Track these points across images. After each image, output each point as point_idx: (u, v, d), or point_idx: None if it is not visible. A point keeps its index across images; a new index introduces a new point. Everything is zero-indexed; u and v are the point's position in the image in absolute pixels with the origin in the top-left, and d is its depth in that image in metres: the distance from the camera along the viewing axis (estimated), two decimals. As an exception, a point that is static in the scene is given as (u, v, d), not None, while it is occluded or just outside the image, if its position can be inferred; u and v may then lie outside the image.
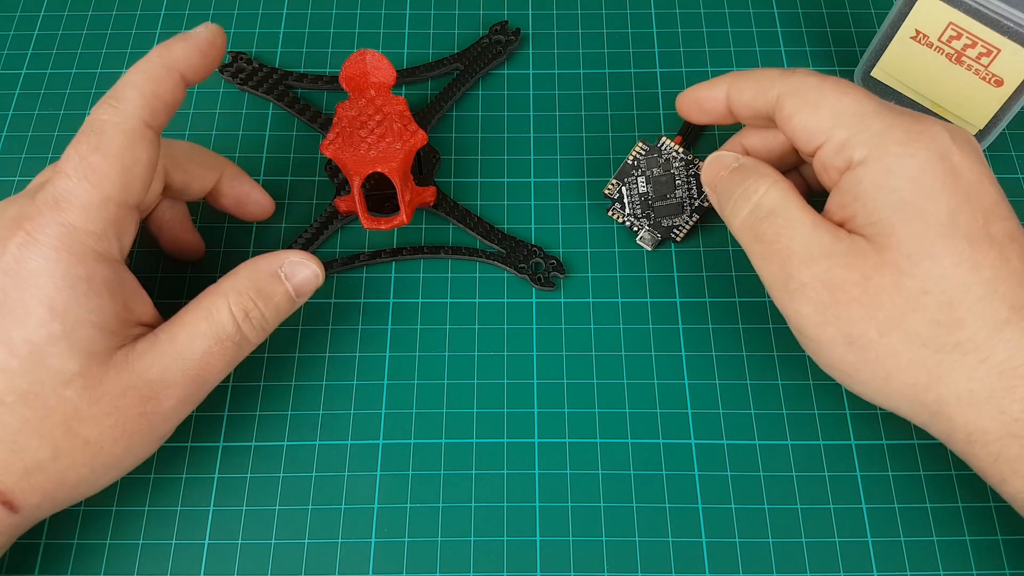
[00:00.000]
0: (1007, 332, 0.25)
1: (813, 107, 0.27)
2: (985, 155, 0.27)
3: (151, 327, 0.28)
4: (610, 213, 0.36)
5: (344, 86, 0.35)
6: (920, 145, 0.26)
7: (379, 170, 0.32)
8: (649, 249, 0.36)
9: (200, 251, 0.35)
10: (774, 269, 0.27)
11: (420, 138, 0.33)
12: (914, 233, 0.25)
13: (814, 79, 0.28)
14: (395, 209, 0.33)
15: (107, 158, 0.25)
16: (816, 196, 0.31)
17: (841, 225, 0.27)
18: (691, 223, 0.35)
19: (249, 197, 0.34)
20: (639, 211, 0.35)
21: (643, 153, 0.36)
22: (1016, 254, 0.25)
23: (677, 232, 0.35)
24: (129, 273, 0.27)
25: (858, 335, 0.26)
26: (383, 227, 0.33)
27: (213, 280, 0.29)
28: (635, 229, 0.36)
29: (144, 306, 0.28)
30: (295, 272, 0.29)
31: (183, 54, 0.27)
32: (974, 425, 0.25)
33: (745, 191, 0.29)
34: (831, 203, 0.28)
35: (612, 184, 0.36)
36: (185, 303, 0.28)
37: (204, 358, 0.27)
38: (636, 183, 0.36)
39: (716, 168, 0.30)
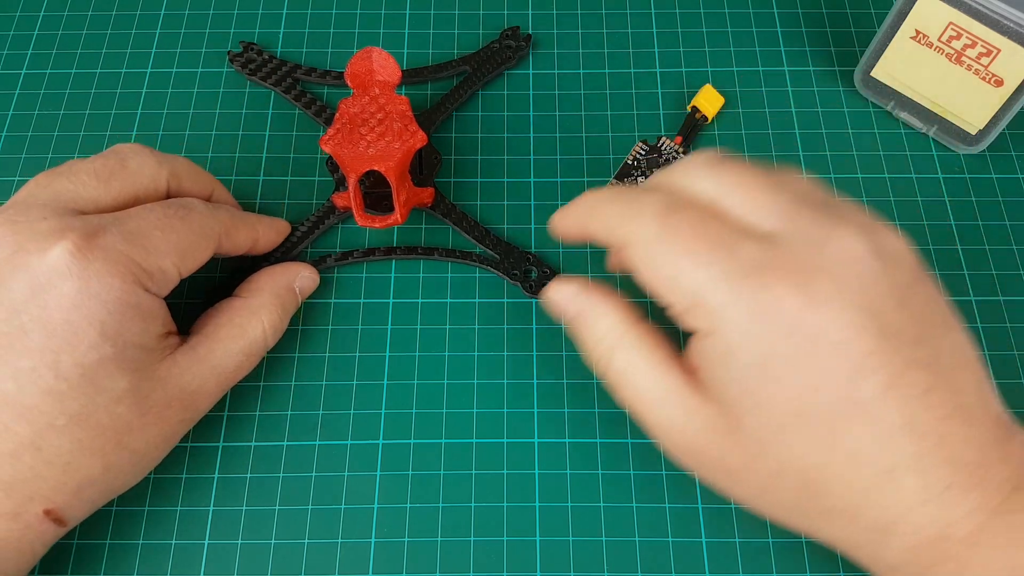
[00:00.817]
0: (874, 496, 0.22)
1: (652, 270, 0.25)
2: (919, 264, 0.24)
3: (173, 333, 0.29)
4: (610, 213, 0.36)
5: (349, 83, 0.35)
6: (766, 322, 0.22)
7: (376, 168, 0.32)
8: (649, 249, 0.36)
9: None
10: (645, 426, 0.26)
11: (419, 139, 0.33)
12: (761, 421, 0.23)
13: (656, 230, 0.24)
14: (391, 208, 0.33)
15: (191, 231, 0.29)
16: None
17: (695, 372, 0.25)
18: (691, 223, 0.35)
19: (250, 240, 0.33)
20: (639, 211, 0.35)
21: (643, 153, 0.36)
22: (895, 406, 0.22)
23: (677, 232, 0.35)
24: (164, 307, 0.28)
25: (738, 499, 0.26)
26: (377, 225, 0.33)
27: (213, 279, 0.29)
28: (635, 229, 0.36)
29: (168, 316, 0.28)
30: (305, 285, 0.33)
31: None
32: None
33: (593, 353, 0.27)
34: (689, 349, 0.25)
35: (612, 184, 0.36)
36: (187, 303, 0.28)
37: (237, 369, 0.30)
38: (636, 183, 0.36)
39: (557, 309, 0.28)
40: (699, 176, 0.25)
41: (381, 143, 0.33)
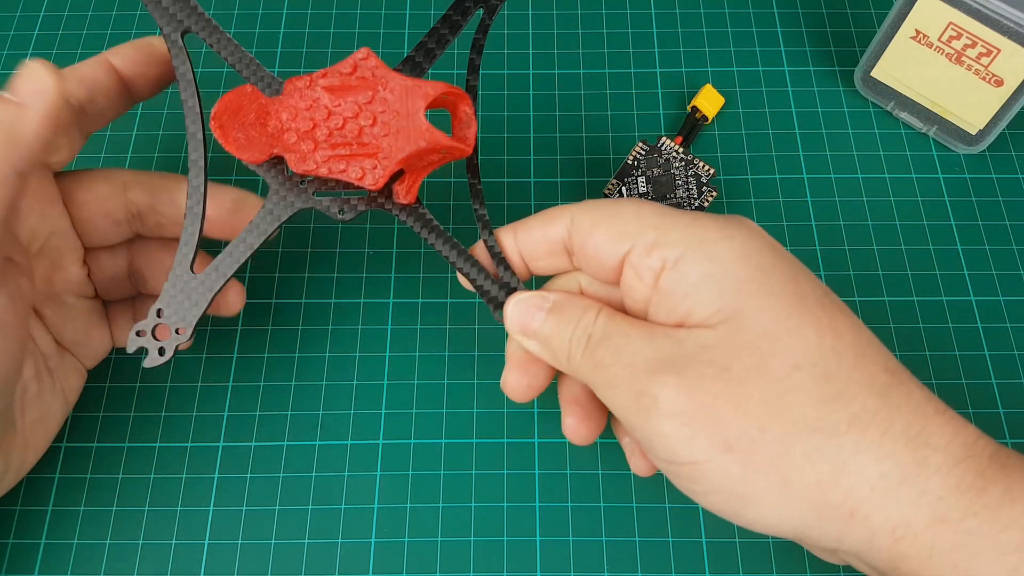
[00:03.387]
0: (894, 397, 0.22)
1: (612, 217, 0.25)
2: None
3: None
4: (610, 213, 0.36)
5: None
6: (733, 229, 0.24)
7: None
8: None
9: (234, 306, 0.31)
10: (621, 392, 0.23)
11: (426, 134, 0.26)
12: (764, 307, 0.22)
13: (604, 200, 0.26)
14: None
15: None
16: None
17: (678, 328, 0.24)
18: (691, 223, 0.35)
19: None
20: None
21: (643, 153, 0.36)
22: (860, 321, 0.24)
23: (677, 232, 0.35)
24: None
25: (736, 436, 0.22)
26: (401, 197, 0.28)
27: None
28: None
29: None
30: (16, 82, 0.26)
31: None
32: (898, 518, 0.21)
33: (578, 326, 0.25)
34: (657, 312, 0.24)
35: (612, 184, 0.36)
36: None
37: None
38: (636, 183, 0.36)
39: (527, 313, 0.26)
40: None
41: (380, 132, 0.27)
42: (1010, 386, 0.33)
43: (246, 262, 0.28)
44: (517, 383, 0.27)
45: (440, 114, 0.29)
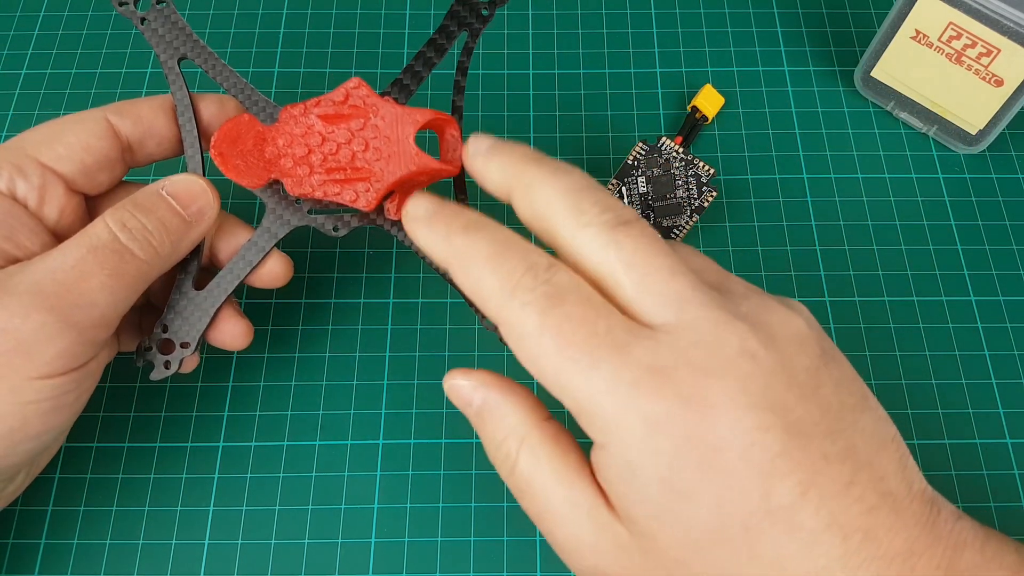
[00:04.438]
0: None
1: (534, 368, 0.22)
2: (827, 339, 0.23)
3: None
4: (610, 213, 0.36)
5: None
6: (663, 436, 0.20)
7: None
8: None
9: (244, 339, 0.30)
10: (549, 541, 0.24)
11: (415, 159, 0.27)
12: (677, 539, 0.21)
13: (533, 323, 0.21)
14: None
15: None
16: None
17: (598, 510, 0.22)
18: (691, 223, 0.35)
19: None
20: (639, 211, 0.35)
21: (643, 153, 0.36)
22: (815, 504, 0.20)
23: (677, 232, 0.35)
24: (20, 208, 0.27)
25: None
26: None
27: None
28: (635, 229, 0.36)
29: (34, 238, 0.27)
30: (178, 189, 0.28)
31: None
32: None
33: (499, 451, 0.24)
34: (592, 459, 0.23)
35: (612, 184, 0.36)
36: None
37: (78, 266, 0.25)
38: (636, 183, 0.36)
39: (458, 401, 0.25)
40: (596, 239, 0.22)
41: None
42: (1010, 386, 0.33)
43: (246, 279, 0.29)
44: None
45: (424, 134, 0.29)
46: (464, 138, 0.28)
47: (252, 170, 0.28)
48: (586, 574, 0.23)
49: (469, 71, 0.35)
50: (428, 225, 0.25)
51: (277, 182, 0.28)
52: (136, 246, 0.26)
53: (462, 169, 0.28)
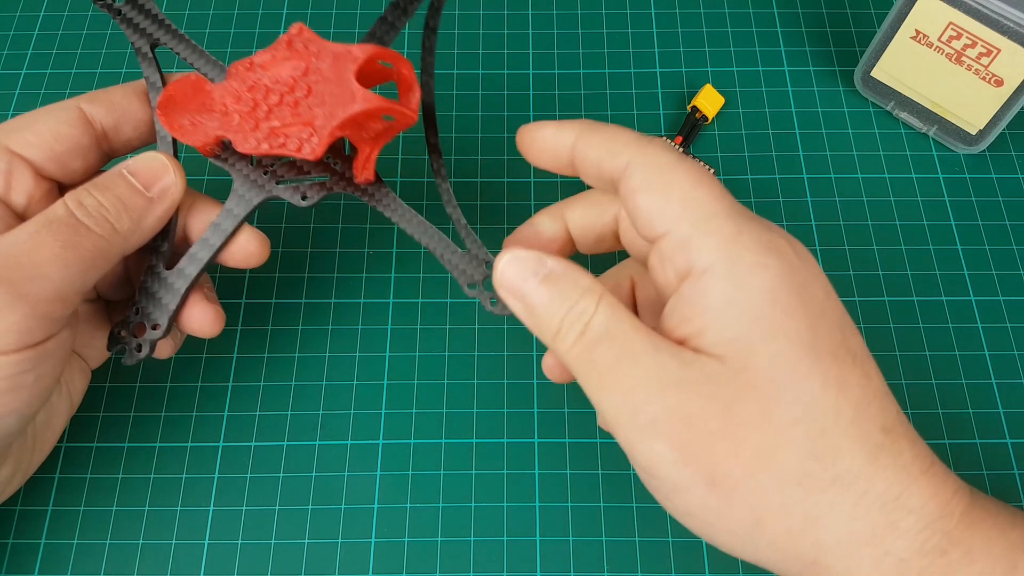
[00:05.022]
0: (883, 458, 0.22)
1: (662, 189, 0.23)
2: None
3: None
4: (610, 213, 0.36)
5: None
6: (773, 255, 0.22)
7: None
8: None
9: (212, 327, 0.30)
10: (617, 400, 0.23)
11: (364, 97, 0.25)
12: (777, 352, 0.22)
13: (671, 157, 0.24)
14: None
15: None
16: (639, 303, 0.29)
17: (683, 342, 0.23)
18: (691, 223, 0.35)
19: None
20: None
21: (643, 153, 0.36)
22: (874, 370, 0.23)
23: (677, 232, 0.35)
24: None
25: (722, 475, 0.22)
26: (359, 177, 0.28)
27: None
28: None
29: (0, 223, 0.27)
30: (139, 167, 0.27)
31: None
32: (856, 573, 0.22)
33: (572, 310, 0.23)
34: (671, 315, 0.23)
35: (612, 184, 0.36)
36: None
37: (30, 240, 0.25)
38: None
39: (520, 274, 0.24)
40: None
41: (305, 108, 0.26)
42: (1010, 386, 0.33)
43: (213, 257, 0.28)
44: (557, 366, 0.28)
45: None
46: (423, 84, 0.27)
47: (199, 130, 0.27)
48: (663, 414, 0.22)
49: (469, 70, 0.35)
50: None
51: (242, 158, 0.28)
52: (92, 222, 0.26)
53: (433, 123, 0.27)
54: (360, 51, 0.25)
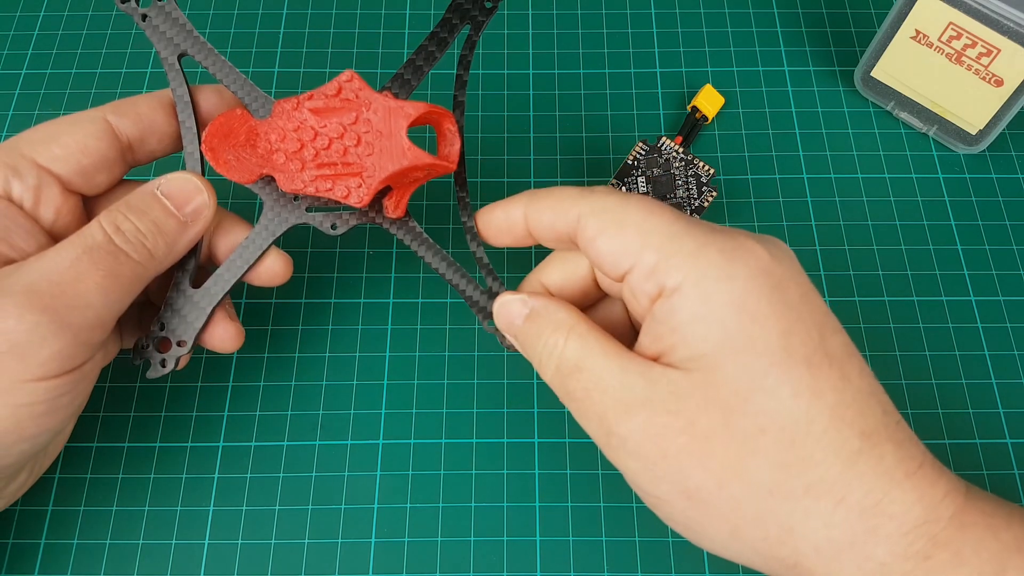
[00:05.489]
0: (861, 464, 0.22)
1: (617, 227, 0.24)
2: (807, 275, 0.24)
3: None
4: (610, 213, 0.36)
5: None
6: (739, 264, 0.23)
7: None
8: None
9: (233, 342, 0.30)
10: (593, 426, 0.24)
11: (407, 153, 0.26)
12: (743, 364, 0.22)
13: (616, 198, 0.25)
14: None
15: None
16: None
17: (657, 359, 0.23)
18: (691, 223, 0.35)
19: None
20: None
21: (643, 153, 0.36)
22: (856, 371, 0.23)
23: (677, 232, 0.35)
24: (15, 209, 0.27)
25: (695, 488, 0.22)
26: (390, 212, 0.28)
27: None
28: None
29: (30, 239, 0.27)
30: (173, 188, 0.27)
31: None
32: None
33: (546, 346, 0.25)
34: (644, 336, 0.24)
35: (612, 184, 0.36)
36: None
37: (73, 267, 0.25)
38: (636, 183, 0.36)
39: (508, 317, 0.27)
40: None
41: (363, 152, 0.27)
42: (1010, 386, 0.33)
43: (243, 277, 0.29)
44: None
45: (421, 132, 0.29)
46: (462, 132, 0.28)
47: (244, 165, 0.28)
48: (632, 435, 0.23)
49: (471, 68, 0.34)
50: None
51: (273, 179, 0.28)
52: (130, 248, 0.26)
53: (462, 164, 0.28)
54: (413, 108, 0.26)
